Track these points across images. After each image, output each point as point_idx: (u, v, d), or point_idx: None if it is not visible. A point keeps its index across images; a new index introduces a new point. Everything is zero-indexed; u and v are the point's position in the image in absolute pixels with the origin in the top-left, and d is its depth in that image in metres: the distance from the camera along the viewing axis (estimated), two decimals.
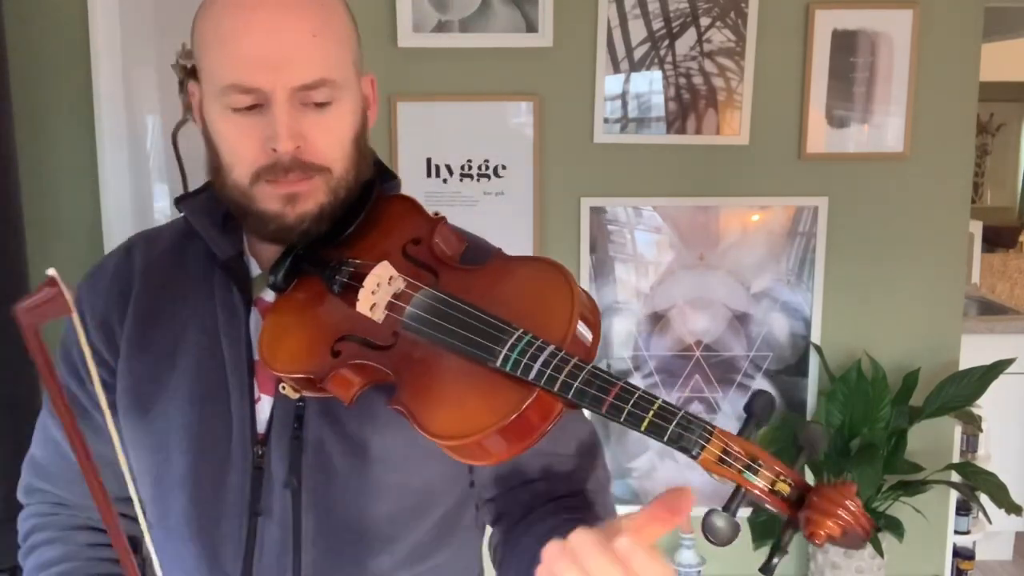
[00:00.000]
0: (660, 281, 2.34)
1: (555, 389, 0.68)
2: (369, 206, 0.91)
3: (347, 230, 0.90)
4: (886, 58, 2.24)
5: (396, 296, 0.81)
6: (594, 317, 0.76)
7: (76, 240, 2.27)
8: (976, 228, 3.85)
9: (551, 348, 0.70)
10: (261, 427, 0.91)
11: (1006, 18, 3.99)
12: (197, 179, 2.24)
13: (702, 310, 2.34)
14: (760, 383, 2.36)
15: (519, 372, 0.70)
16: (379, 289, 0.81)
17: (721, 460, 0.65)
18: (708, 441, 0.65)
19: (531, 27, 2.20)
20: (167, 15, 2.18)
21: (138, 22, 2.17)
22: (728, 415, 2.38)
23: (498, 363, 0.70)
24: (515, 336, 0.71)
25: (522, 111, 2.24)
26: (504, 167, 2.26)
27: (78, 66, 2.19)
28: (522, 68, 2.23)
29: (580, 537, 0.66)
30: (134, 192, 2.22)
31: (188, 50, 2.18)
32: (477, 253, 0.90)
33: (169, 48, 2.19)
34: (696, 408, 2.37)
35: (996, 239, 4.67)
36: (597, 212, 2.30)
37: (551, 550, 0.68)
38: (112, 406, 0.95)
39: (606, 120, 2.26)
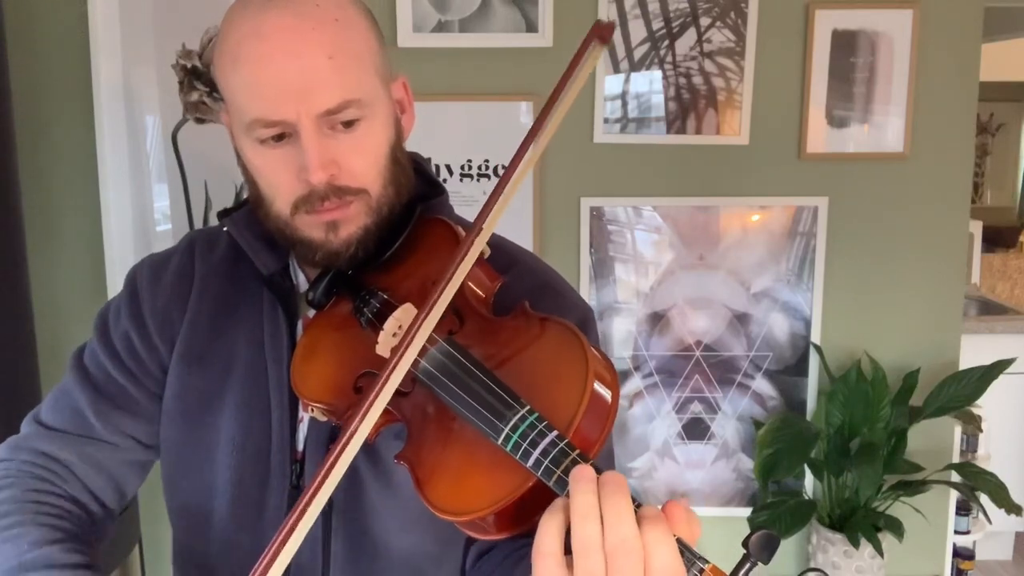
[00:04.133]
0: (660, 281, 2.34)
1: (551, 483, 0.65)
2: (408, 230, 0.89)
3: (385, 254, 0.88)
4: (886, 58, 2.24)
5: None
6: (611, 391, 0.71)
7: (76, 240, 2.27)
8: (976, 228, 3.86)
9: (552, 436, 0.66)
10: (301, 446, 0.90)
11: (1006, 18, 4.00)
12: (197, 179, 2.25)
13: (702, 310, 2.34)
14: (760, 383, 2.36)
15: (518, 456, 0.67)
16: (400, 331, 0.79)
17: None
18: (700, 573, 0.62)
19: (531, 27, 2.20)
20: (167, 15, 2.18)
21: (138, 22, 2.17)
22: (728, 415, 2.38)
23: (499, 441, 0.68)
24: (519, 415, 0.68)
25: (522, 111, 2.24)
26: (504, 167, 2.26)
27: (78, 66, 2.19)
28: (522, 68, 2.23)
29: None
30: (134, 192, 2.22)
31: (188, 50, 2.18)
32: (512, 285, 0.87)
33: (169, 48, 2.18)
34: (696, 408, 2.37)
35: (996, 239, 4.67)
36: (597, 212, 2.30)
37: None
38: (157, 397, 0.95)
39: (606, 120, 2.26)
